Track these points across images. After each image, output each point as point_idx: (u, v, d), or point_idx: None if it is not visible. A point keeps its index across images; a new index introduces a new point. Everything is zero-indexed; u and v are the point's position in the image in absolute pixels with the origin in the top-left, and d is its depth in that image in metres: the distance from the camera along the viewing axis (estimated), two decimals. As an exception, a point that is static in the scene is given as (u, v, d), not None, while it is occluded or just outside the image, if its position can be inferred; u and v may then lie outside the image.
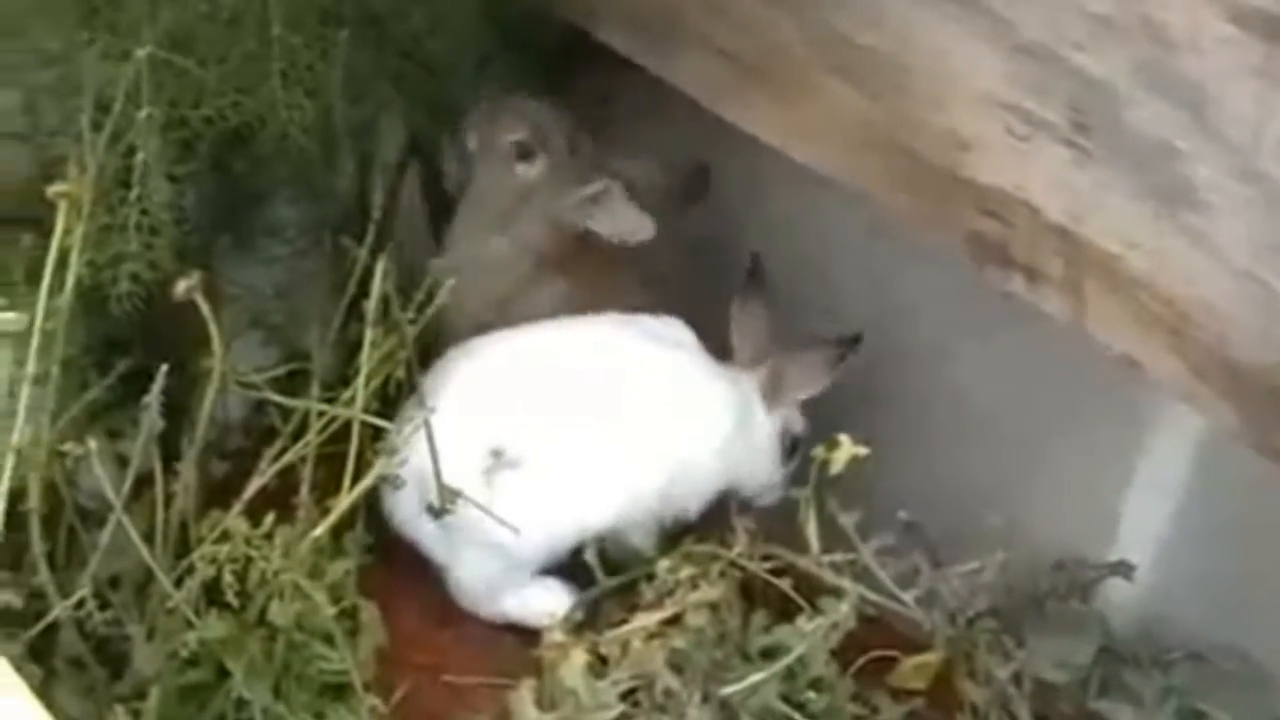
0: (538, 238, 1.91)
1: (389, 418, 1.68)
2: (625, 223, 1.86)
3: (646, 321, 1.87)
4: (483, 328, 1.89)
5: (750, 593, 1.80)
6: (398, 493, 1.76)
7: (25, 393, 1.55)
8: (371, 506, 1.74)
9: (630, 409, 1.81)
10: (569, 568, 1.84)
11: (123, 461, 1.60)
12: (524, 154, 1.89)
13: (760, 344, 1.89)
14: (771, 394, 1.88)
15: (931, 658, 1.78)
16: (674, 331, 1.87)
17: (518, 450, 1.76)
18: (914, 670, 1.79)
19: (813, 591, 1.75)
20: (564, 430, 1.79)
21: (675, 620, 1.73)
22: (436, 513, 1.69)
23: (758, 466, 1.90)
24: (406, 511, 1.81)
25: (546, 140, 1.88)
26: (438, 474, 1.67)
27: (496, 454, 1.73)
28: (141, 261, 1.57)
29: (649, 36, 1.80)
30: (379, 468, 1.60)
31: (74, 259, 1.51)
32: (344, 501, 1.63)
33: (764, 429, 1.89)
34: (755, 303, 1.88)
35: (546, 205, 1.90)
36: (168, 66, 1.55)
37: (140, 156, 1.55)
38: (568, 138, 1.88)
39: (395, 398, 1.73)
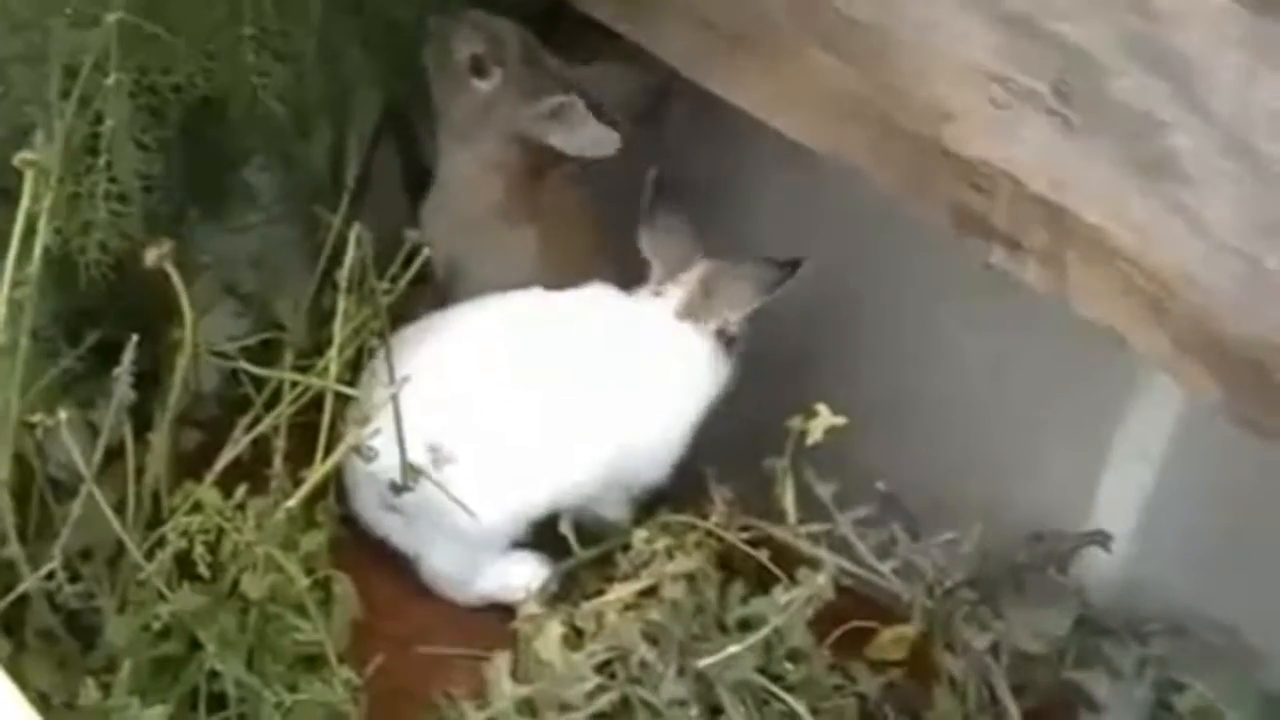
0: (501, 154, 1.88)
1: (363, 388, 1.67)
2: (587, 137, 1.83)
3: (593, 293, 1.85)
4: (452, 262, 1.88)
5: (727, 563, 1.80)
6: (359, 490, 1.77)
7: (-6, 363, 1.53)
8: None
9: (582, 383, 1.79)
10: (544, 540, 1.83)
11: (94, 432, 1.58)
12: (478, 68, 1.85)
13: (679, 257, 1.84)
14: (701, 305, 1.83)
15: (909, 629, 1.77)
16: (620, 304, 1.85)
17: (470, 429, 1.73)
18: (891, 642, 1.79)
19: (790, 562, 1.74)
20: (517, 405, 1.77)
21: (651, 592, 1.73)
22: (398, 489, 1.67)
23: (702, 385, 1.86)
24: (368, 507, 1.80)
25: (501, 53, 1.85)
26: (402, 451, 1.66)
27: (434, 449, 1.69)
28: (110, 230, 1.55)
29: (631, 5, 1.78)
30: (350, 438, 1.58)
31: (42, 228, 1.48)
32: (317, 473, 1.61)
33: (698, 351, 1.85)
34: (666, 218, 1.84)
35: (507, 120, 1.86)
36: (137, 32, 1.52)
37: (109, 124, 1.52)
38: (523, 50, 1.85)
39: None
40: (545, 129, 1.84)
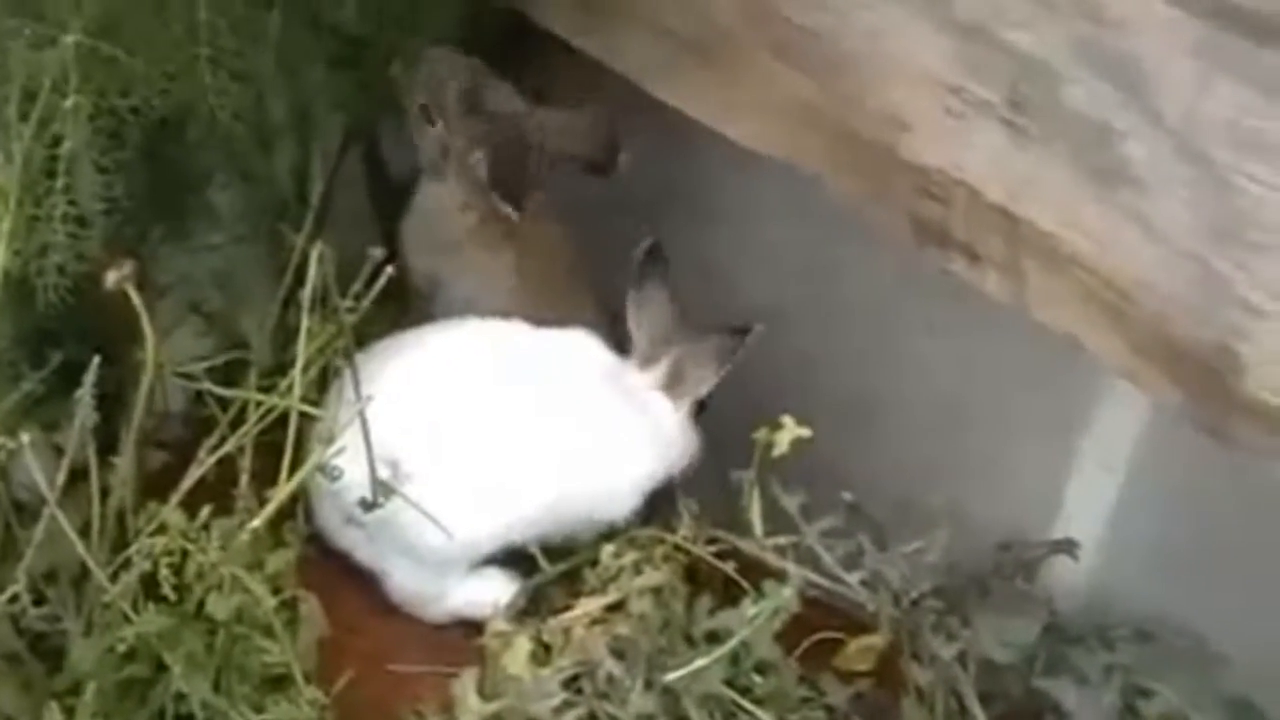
0: (469, 191, 1.89)
1: (327, 407, 1.67)
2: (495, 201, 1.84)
3: (577, 338, 1.85)
4: (432, 278, 1.90)
5: (695, 576, 1.80)
6: (322, 505, 1.76)
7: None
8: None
9: (548, 423, 1.78)
10: (512, 557, 1.82)
11: (58, 454, 1.58)
12: (427, 116, 1.88)
13: (661, 335, 1.84)
14: (672, 388, 1.84)
15: (876, 639, 1.77)
16: (602, 357, 1.85)
17: (431, 450, 1.73)
18: (859, 652, 1.78)
19: (758, 574, 1.74)
20: (481, 433, 1.76)
21: (619, 606, 1.73)
22: (368, 506, 1.67)
23: (673, 455, 1.86)
24: (330, 523, 1.79)
25: (442, 102, 1.86)
26: (372, 468, 1.66)
27: (393, 466, 1.68)
28: (69, 252, 1.55)
29: (588, 18, 1.79)
30: (315, 457, 1.58)
31: (0, 250, 1.48)
32: (282, 491, 1.61)
33: (670, 421, 1.85)
34: (655, 292, 1.84)
35: (460, 164, 1.88)
36: (95, 54, 1.52)
37: (68, 146, 1.52)
38: (461, 97, 1.86)
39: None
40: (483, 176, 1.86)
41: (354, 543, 1.80)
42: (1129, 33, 1.35)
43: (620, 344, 1.86)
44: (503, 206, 1.82)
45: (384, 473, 1.67)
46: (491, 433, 1.76)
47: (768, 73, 1.62)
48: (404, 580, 1.80)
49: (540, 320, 1.85)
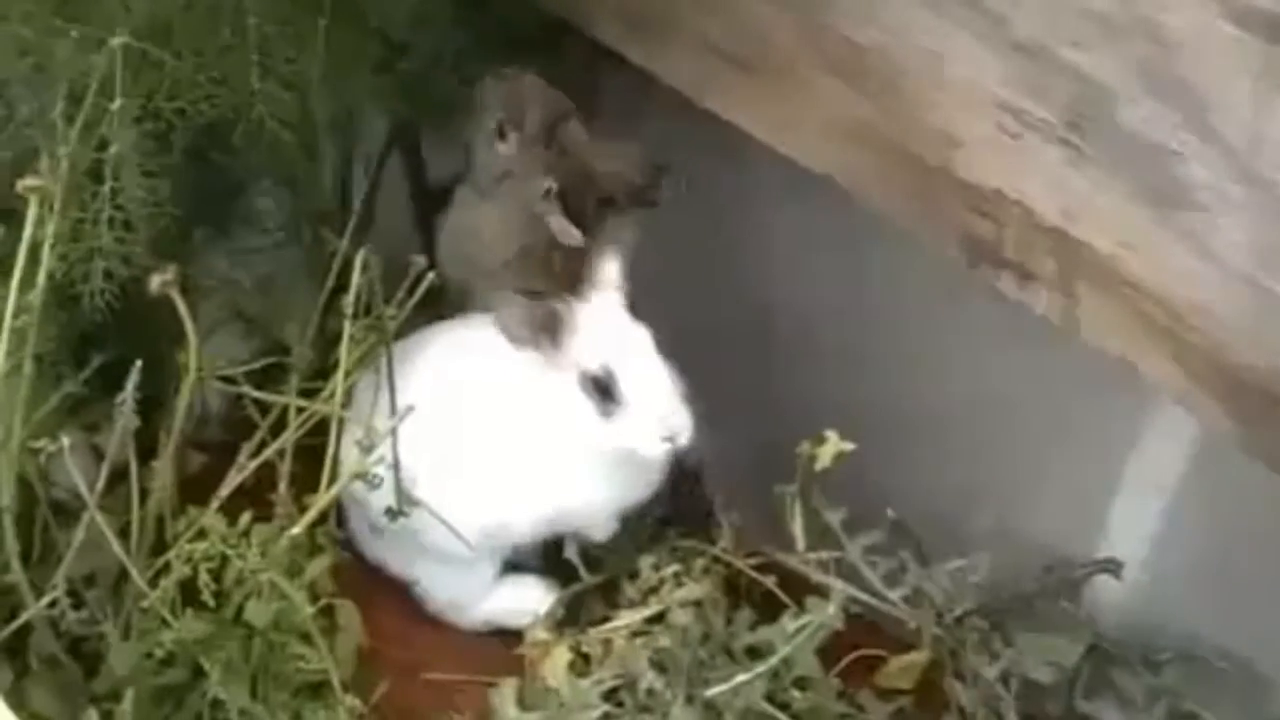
0: (516, 219, 1.88)
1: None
2: (555, 226, 1.83)
3: None
4: (463, 289, 1.89)
5: (735, 590, 1.79)
6: (350, 514, 1.76)
7: (-2, 388, 1.52)
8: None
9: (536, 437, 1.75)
10: (551, 565, 1.82)
11: (99, 457, 1.58)
12: (501, 133, 1.86)
13: None
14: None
15: (918, 657, 1.77)
16: None
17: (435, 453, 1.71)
18: (900, 671, 1.78)
19: (799, 589, 1.73)
20: (478, 434, 1.75)
21: (659, 618, 1.73)
22: (393, 514, 1.67)
23: (639, 485, 1.81)
24: (362, 532, 1.79)
25: (521, 122, 1.85)
26: (398, 479, 1.66)
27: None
28: (114, 257, 1.55)
29: (638, 31, 1.77)
30: (353, 465, 1.57)
31: (45, 254, 1.48)
32: (322, 499, 1.60)
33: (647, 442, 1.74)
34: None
35: (517, 189, 1.86)
36: (143, 57, 1.52)
37: (114, 149, 1.52)
38: (547, 125, 1.85)
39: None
40: (541, 206, 1.84)
41: (382, 551, 1.79)
42: (1188, 53, 1.33)
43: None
44: (569, 233, 1.82)
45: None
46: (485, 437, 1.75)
47: (821, 89, 1.61)
48: (433, 585, 1.80)
49: None
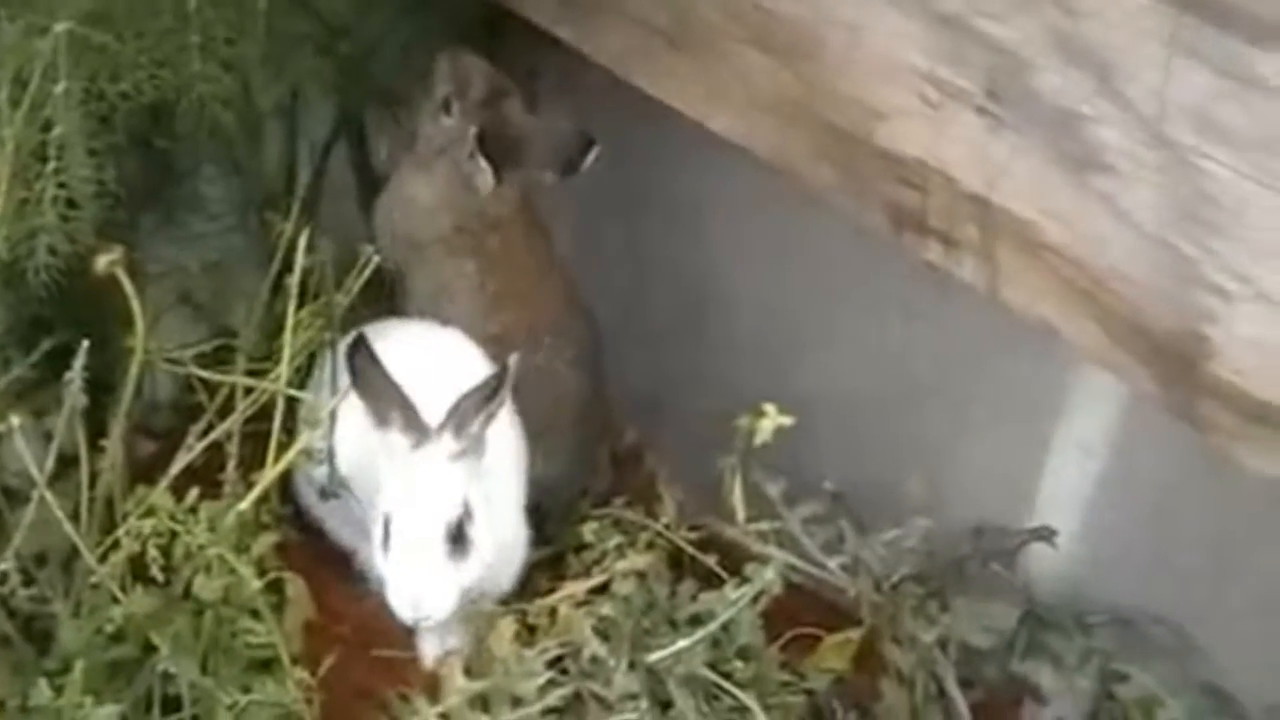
0: (452, 194, 1.92)
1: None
2: (472, 171, 1.88)
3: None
4: (397, 268, 1.93)
5: (679, 565, 1.82)
6: (298, 479, 1.78)
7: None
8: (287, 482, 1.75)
9: None
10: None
11: (48, 439, 1.59)
12: (446, 106, 1.90)
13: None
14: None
15: (851, 635, 1.79)
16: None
17: None
18: (833, 650, 1.81)
19: (740, 562, 1.75)
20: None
21: (603, 589, 1.75)
22: (325, 494, 1.71)
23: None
24: (309, 499, 1.82)
25: (464, 94, 1.89)
26: (331, 463, 1.69)
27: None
28: (59, 234, 1.57)
29: (567, 8, 1.80)
30: (301, 441, 1.60)
31: (-8, 234, 1.50)
32: (269, 474, 1.63)
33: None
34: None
35: (457, 163, 1.90)
36: (86, 41, 1.54)
37: (59, 130, 1.54)
38: (487, 100, 1.89)
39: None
40: (468, 165, 1.89)
41: (328, 519, 1.82)
42: (1098, 20, 1.37)
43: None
44: (480, 167, 1.85)
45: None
46: None
47: (746, 63, 1.64)
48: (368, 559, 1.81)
49: (498, 326, 1.88)
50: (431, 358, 1.79)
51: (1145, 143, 1.38)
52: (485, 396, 1.61)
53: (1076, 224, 1.45)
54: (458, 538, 1.61)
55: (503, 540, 1.70)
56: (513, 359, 1.63)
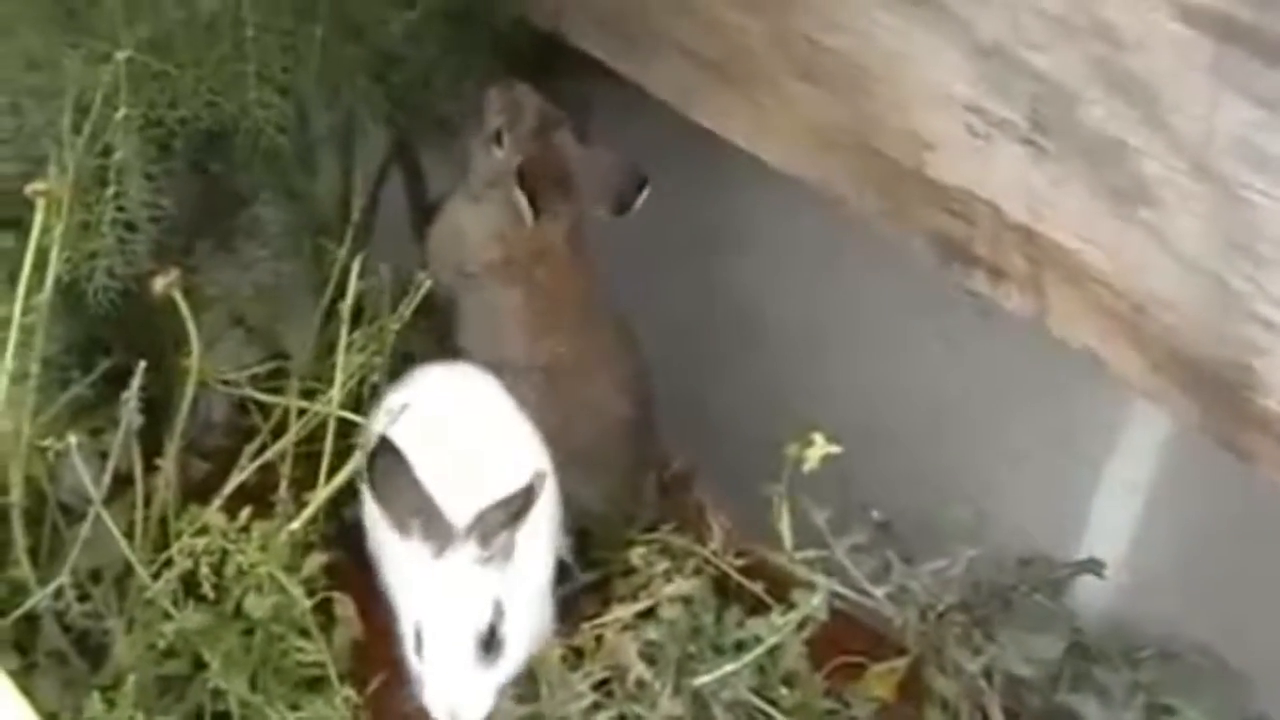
0: (501, 224, 1.93)
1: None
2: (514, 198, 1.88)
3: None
4: (449, 294, 1.93)
5: (725, 589, 1.82)
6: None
7: (3, 388, 1.57)
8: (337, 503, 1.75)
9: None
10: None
11: (104, 457, 1.62)
12: (498, 139, 1.92)
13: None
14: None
15: (896, 663, 1.79)
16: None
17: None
18: (878, 678, 1.80)
19: (787, 590, 1.76)
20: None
21: (649, 613, 1.75)
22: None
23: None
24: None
25: (516, 126, 1.90)
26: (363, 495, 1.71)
27: None
28: (117, 257, 1.60)
29: (619, 40, 1.83)
30: (354, 462, 1.62)
31: (53, 256, 1.53)
32: (321, 495, 1.65)
33: None
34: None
35: (506, 195, 1.91)
36: (145, 69, 1.58)
37: (118, 155, 1.58)
38: (538, 132, 1.90)
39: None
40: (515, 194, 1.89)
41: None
42: (1141, 51, 1.37)
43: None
44: (521, 201, 1.86)
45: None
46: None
47: (793, 94, 1.66)
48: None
49: (547, 356, 1.89)
50: (464, 422, 1.77)
51: (1189, 173, 1.38)
52: (512, 513, 1.57)
53: (1121, 254, 1.46)
54: (490, 641, 1.59)
55: (535, 631, 1.69)
56: (539, 472, 1.59)
